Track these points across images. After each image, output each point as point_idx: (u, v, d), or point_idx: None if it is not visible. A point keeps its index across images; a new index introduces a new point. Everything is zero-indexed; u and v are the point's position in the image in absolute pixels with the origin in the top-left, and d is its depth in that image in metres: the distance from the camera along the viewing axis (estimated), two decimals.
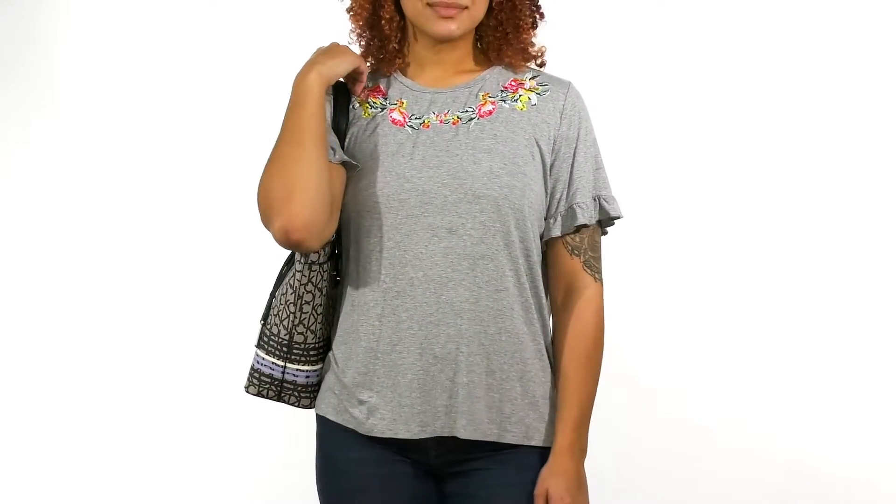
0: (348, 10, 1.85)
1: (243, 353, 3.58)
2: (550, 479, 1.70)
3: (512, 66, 1.82)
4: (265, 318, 1.82)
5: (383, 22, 1.78)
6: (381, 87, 1.81)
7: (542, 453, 1.75)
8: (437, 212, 1.69)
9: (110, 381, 3.67)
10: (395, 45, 1.80)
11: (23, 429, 3.71)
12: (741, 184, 3.46)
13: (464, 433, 1.69)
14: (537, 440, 1.74)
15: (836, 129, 3.45)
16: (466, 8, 1.71)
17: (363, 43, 1.83)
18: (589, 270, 1.78)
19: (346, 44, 1.84)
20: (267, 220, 1.67)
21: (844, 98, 3.45)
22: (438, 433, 1.69)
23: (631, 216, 3.31)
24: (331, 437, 1.78)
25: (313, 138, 1.66)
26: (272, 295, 1.82)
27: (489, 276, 1.70)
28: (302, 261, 1.74)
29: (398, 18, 1.79)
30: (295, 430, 3.55)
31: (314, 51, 1.75)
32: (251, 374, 1.83)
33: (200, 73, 3.70)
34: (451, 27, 1.71)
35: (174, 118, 3.70)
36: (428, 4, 1.71)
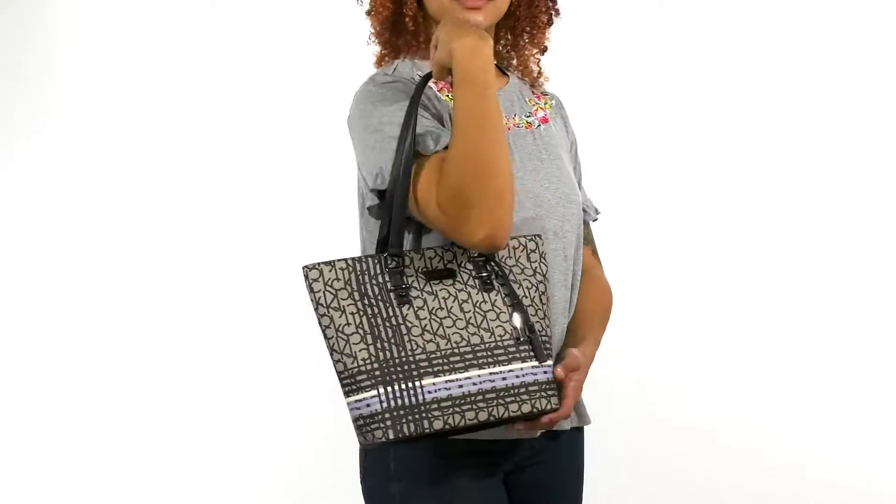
0: (368, 13, 1.81)
1: (246, 354, 3.60)
2: (580, 360, 1.64)
3: (524, 74, 1.85)
4: (532, 328, 1.55)
5: (407, 19, 1.75)
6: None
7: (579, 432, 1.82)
8: (545, 215, 1.69)
9: (112, 384, 3.67)
10: (422, 42, 1.77)
11: (34, 431, 3.72)
12: (741, 184, 3.47)
13: (573, 423, 1.75)
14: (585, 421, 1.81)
15: (835, 130, 3.46)
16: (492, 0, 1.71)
17: (383, 42, 1.80)
18: (596, 257, 1.88)
19: (369, 43, 1.82)
20: (460, 225, 1.49)
21: (844, 99, 3.45)
22: (555, 427, 1.70)
23: (630, 217, 3.34)
24: (440, 461, 1.66)
25: (504, 131, 1.52)
26: (516, 297, 1.55)
27: (574, 275, 1.75)
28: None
29: (421, 14, 1.76)
30: (302, 431, 3.56)
31: (450, 24, 1.55)
32: (551, 389, 1.53)
33: (200, 74, 3.70)
34: (479, 18, 1.68)
35: (174, 118, 3.70)
36: None
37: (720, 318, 3.45)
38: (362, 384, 1.47)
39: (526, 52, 1.84)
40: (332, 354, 1.49)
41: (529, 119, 1.78)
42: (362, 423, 1.48)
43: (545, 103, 1.84)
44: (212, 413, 3.63)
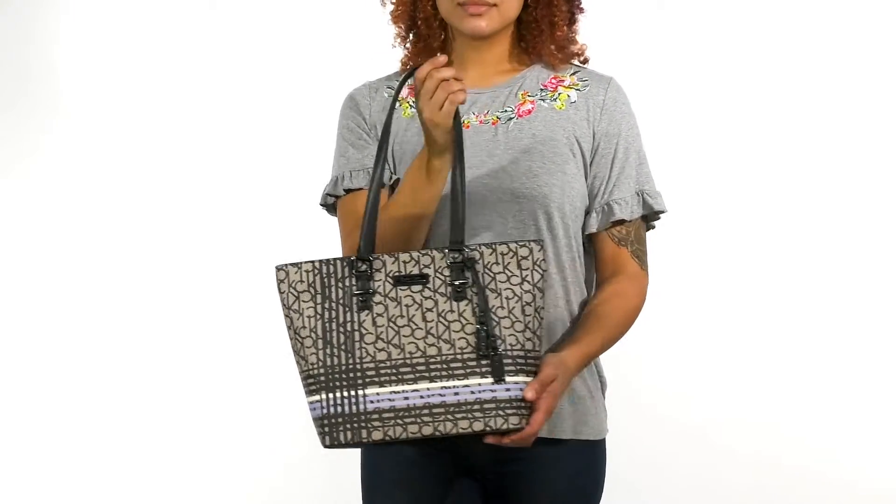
0: (392, 14, 1.84)
1: (248, 355, 3.60)
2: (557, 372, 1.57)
3: (552, 64, 1.82)
4: (493, 343, 1.50)
5: (419, 21, 1.78)
6: None
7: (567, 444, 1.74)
8: (476, 212, 1.69)
9: (110, 381, 3.68)
10: (439, 44, 1.80)
11: (18, 434, 3.72)
12: (741, 184, 3.47)
13: (541, 433, 1.66)
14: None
15: (835, 131, 3.46)
16: (495, 5, 1.71)
17: (407, 45, 1.84)
18: (636, 260, 1.81)
19: (393, 46, 1.85)
20: None
21: (845, 100, 3.45)
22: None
23: None
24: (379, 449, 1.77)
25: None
26: (485, 307, 1.51)
27: (550, 275, 1.71)
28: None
29: (437, 17, 1.78)
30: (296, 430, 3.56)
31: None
32: (511, 408, 1.48)
33: (200, 74, 3.70)
34: (481, 24, 1.71)
35: (174, 117, 3.70)
36: (458, 4, 1.71)
37: (720, 317, 3.45)
38: (311, 387, 1.51)
39: (549, 49, 1.80)
40: (294, 354, 1.54)
41: (501, 114, 1.76)
42: (315, 426, 1.52)
43: (558, 95, 1.80)
44: (208, 411, 3.63)
